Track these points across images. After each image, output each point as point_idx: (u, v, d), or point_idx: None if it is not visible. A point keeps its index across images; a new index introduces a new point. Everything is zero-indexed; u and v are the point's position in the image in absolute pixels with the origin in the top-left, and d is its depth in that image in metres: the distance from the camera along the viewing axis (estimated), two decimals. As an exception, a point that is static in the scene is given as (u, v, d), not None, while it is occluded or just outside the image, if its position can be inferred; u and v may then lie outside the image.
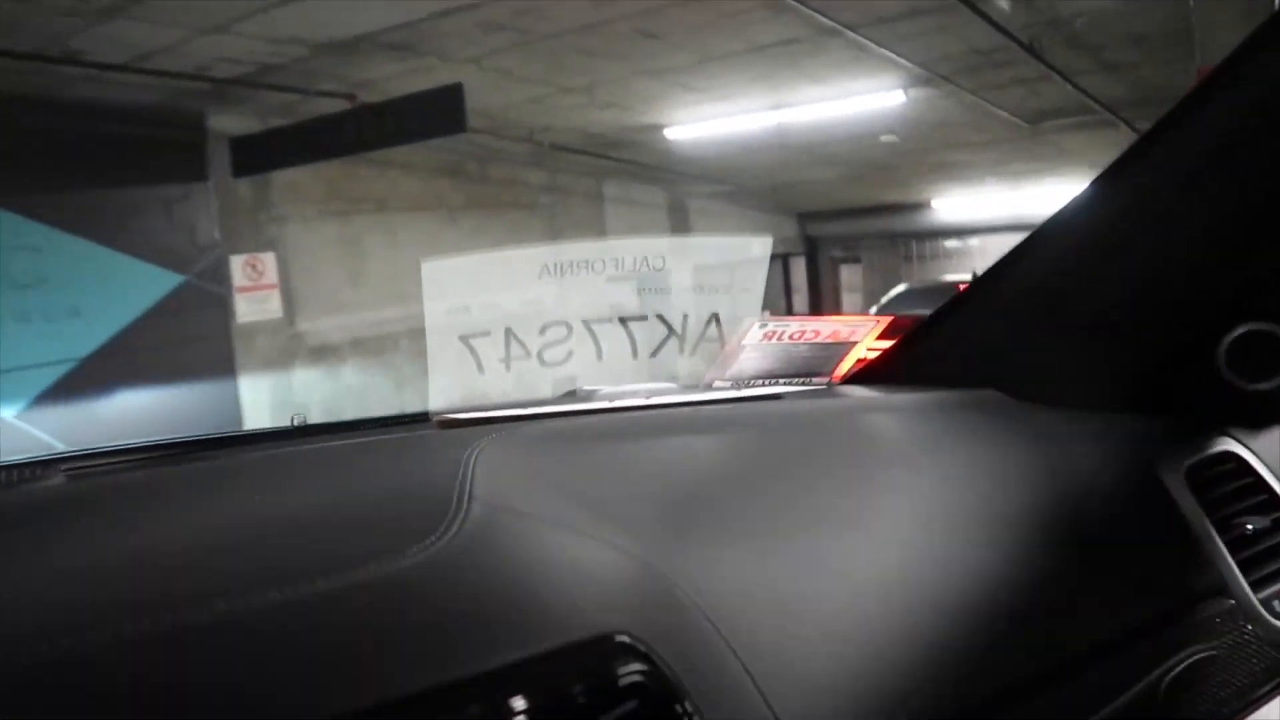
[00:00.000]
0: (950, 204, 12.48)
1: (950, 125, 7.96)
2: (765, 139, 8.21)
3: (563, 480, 0.69)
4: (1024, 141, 8.72)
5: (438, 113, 5.51)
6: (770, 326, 1.05)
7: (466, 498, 0.59)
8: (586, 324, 1.00)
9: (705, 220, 11.73)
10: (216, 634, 0.43)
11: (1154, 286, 1.02)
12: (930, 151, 9.21)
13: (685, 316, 1.03)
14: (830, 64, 6.08)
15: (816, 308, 14.85)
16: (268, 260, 7.07)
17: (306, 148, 6.17)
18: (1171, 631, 0.82)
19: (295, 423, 0.98)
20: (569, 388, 1.00)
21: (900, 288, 8.89)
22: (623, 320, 1.02)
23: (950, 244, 14.04)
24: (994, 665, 0.70)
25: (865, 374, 1.17)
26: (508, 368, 0.95)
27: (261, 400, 7.07)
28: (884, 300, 8.61)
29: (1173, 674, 0.78)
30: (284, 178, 6.97)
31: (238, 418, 6.86)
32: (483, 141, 7.87)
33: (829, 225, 13.89)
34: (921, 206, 12.81)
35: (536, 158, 8.57)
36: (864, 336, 1.07)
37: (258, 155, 6.45)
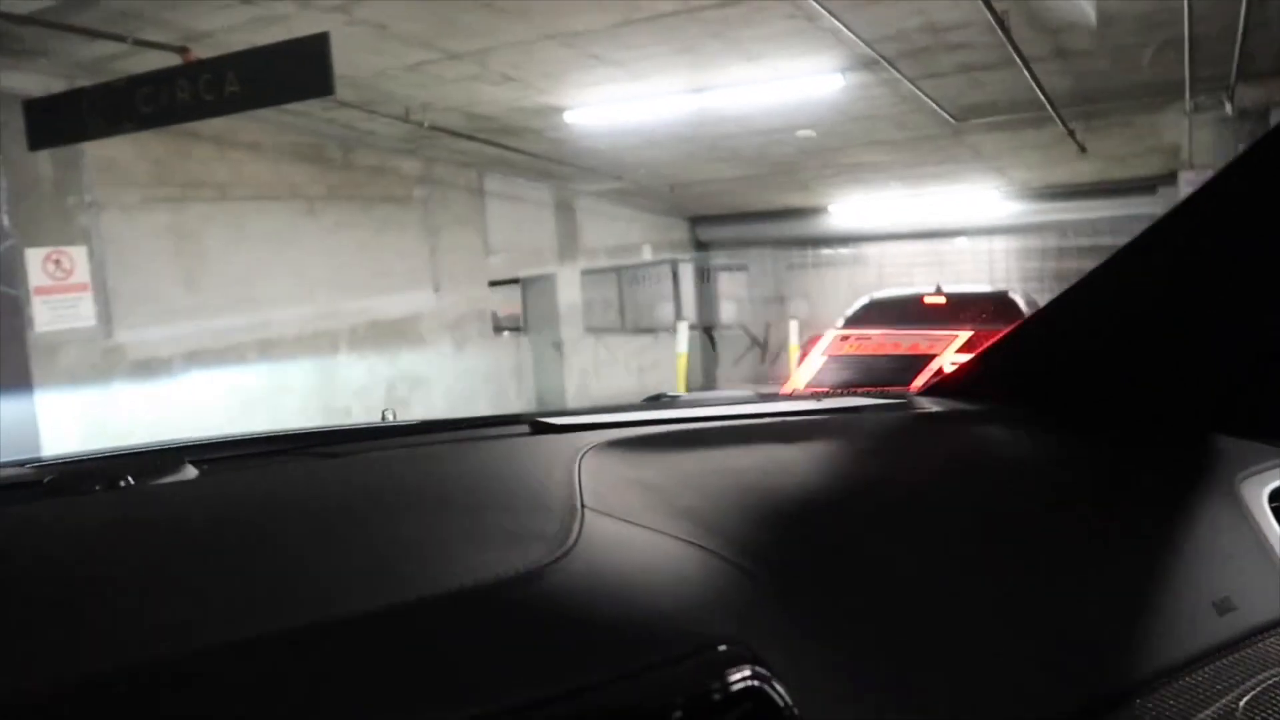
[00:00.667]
0: (848, 209, 11.95)
1: (876, 119, 7.30)
2: (674, 129, 7.35)
3: (662, 488, 0.72)
4: (944, 141, 8.17)
5: (296, 70, 4.36)
6: (852, 339, 2.08)
7: (580, 507, 0.63)
8: (672, 333, 3.71)
9: (594, 222, 10.79)
10: (369, 631, 0.47)
11: (1235, 310, 1.02)
12: (844, 150, 8.56)
13: (768, 325, 4.99)
14: (768, 36, 5.26)
15: (708, 318, 14.16)
16: (77, 256, 5.76)
17: (126, 114, 4.85)
18: (1250, 652, 0.80)
19: (387, 419, 1.09)
20: (654, 393, 1.20)
21: (864, 300, 8.24)
22: (707, 330, 4.71)
23: (844, 251, 13.57)
24: (1076, 681, 0.70)
25: (943, 387, 1.19)
26: (596, 374, 3.65)
27: (68, 427, 5.71)
28: (849, 313, 7.88)
29: (1251, 694, 0.76)
30: (99, 153, 5.66)
31: (35, 445, 5.50)
32: (349, 120, 6.69)
33: (721, 229, 13.17)
34: (818, 212, 12.25)
35: (411, 141, 7.43)
36: (944, 350, 1.66)
37: (62, 122, 5.07)
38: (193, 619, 0.47)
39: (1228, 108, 6.50)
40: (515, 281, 10.11)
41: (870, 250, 13.27)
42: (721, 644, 0.52)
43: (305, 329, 7.13)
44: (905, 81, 6.02)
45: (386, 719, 0.42)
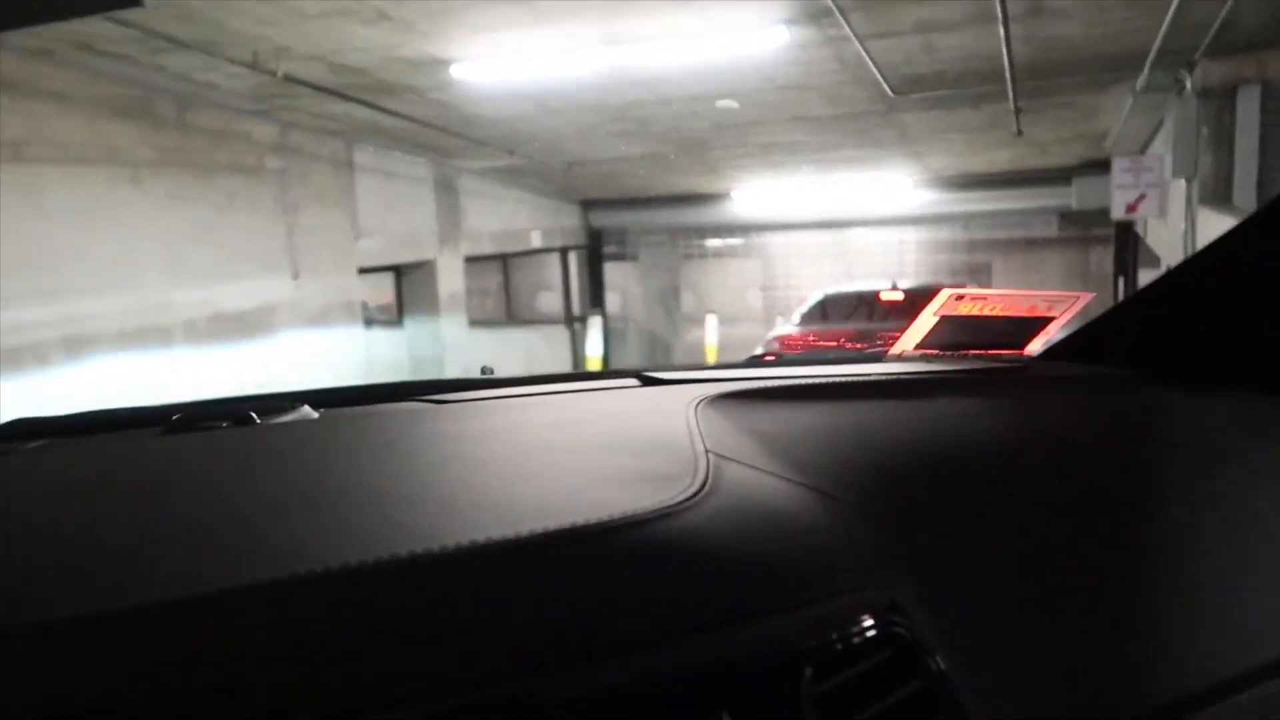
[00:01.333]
0: (752, 196, 11.19)
1: (807, 90, 6.47)
2: (579, 95, 6.34)
3: (780, 437, 0.72)
4: (872, 120, 7.44)
5: (89, -28, 3.17)
6: (966, 297, 1.11)
7: (705, 451, 0.64)
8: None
9: (479, 204, 9.66)
10: (524, 556, 0.48)
11: None
12: (763, 126, 7.73)
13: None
14: (709, -28, 4.32)
15: (600, 307, 13.22)
16: None
17: None
18: None
19: (484, 374, 1.13)
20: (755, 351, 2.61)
21: (817, 295, 7.53)
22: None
23: (740, 241, 12.83)
24: (1193, 663, 0.68)
25: (1060, 350, 1.17)
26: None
27: None
28: (802, 310, 7.19)
29: None
30: None
31: None
32: (184, 68, 5.41)
33: (616, 215, 12.21)
34: (719, 198, 11.45)
35: (263, 99, 6.17)
36: (1062, 313, 1.13)
37: None
38: (340, 541, 0.48)
39: (1189, 86, 5.94)
40: (391, 269, 8.90)
41: (773, 239, 12.58)
42: (863, 588, 0.54)
43: (129, 323, 5.80)
44: (853, 40, 5.19)
45: (547, 641, 0.44)
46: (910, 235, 11.97)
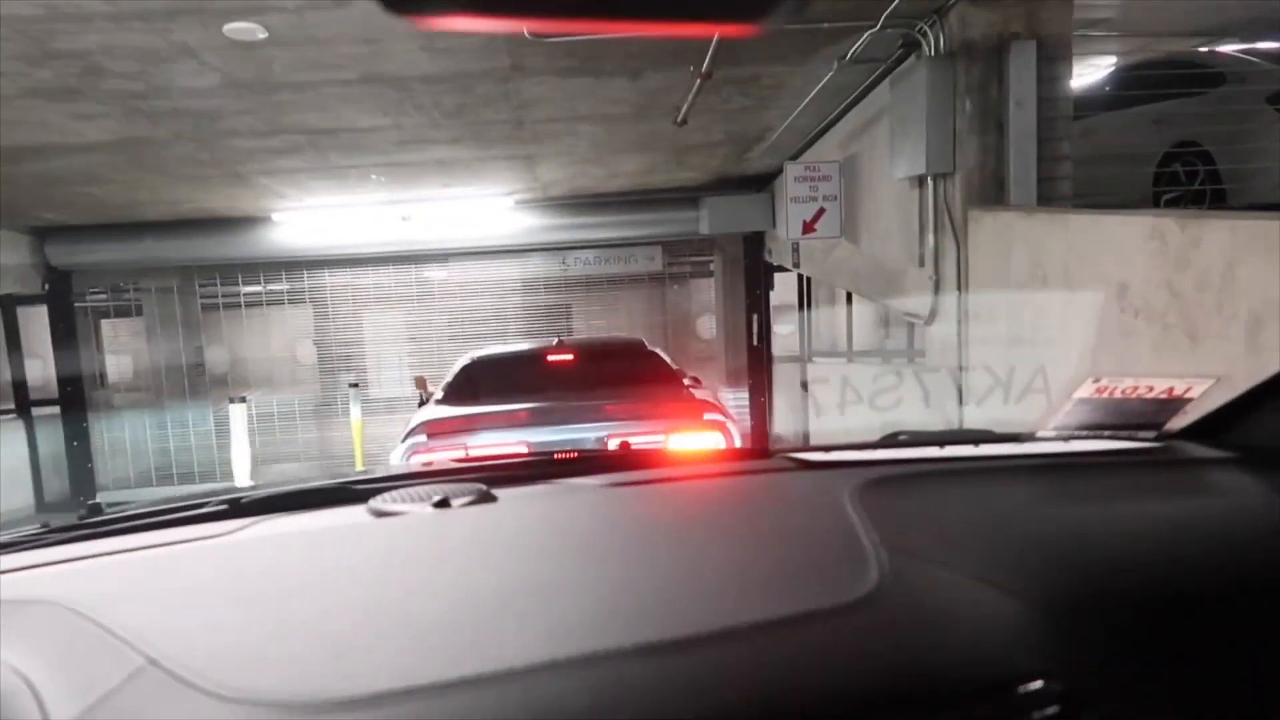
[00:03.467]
0: (304, 219, 8.12)
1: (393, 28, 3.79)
2: None
3: (940, 525, 0.76)
4: (487, 87, 4.94)
5: None
6: (1104, 381, 1.14)
7: (873, 544, 0.69)
8: (916, 373, 1.77)
9: None
10: (733, 643, 0.55)
11: None
12: (314, 91, 4.87)
13: (1012, 368, 1.37)
14: None
15: (68, 375, 9.18)
16: None
17: None
18: None
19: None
20: (891, 430, 1.18)
21: (464, 360, 5.17)
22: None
23: (296, 285, 9.61)
24: None
25: (1196, 429, 1.17)
26: (842, 411, 2.08)
27: None
28: (447, 381, 4.96)
29: None
30: None
31: None
32: None
33: (93, 248, 8.32)
34: (255, 223, 8.23)
35: None
36: (1199, 391, 1.12)
37: None
38: (607, 624, 0.57)
39: (932, 44, 4.24)
40: None
41: (334, 279, 9.53)
42: (1036, 680, 0.54)
43: None
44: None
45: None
46: (514, 271, 9.67)
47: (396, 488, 0.93)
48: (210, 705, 0.51)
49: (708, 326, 10.26)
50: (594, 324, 9.85)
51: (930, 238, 4.48)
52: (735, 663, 0.52)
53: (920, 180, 4.56)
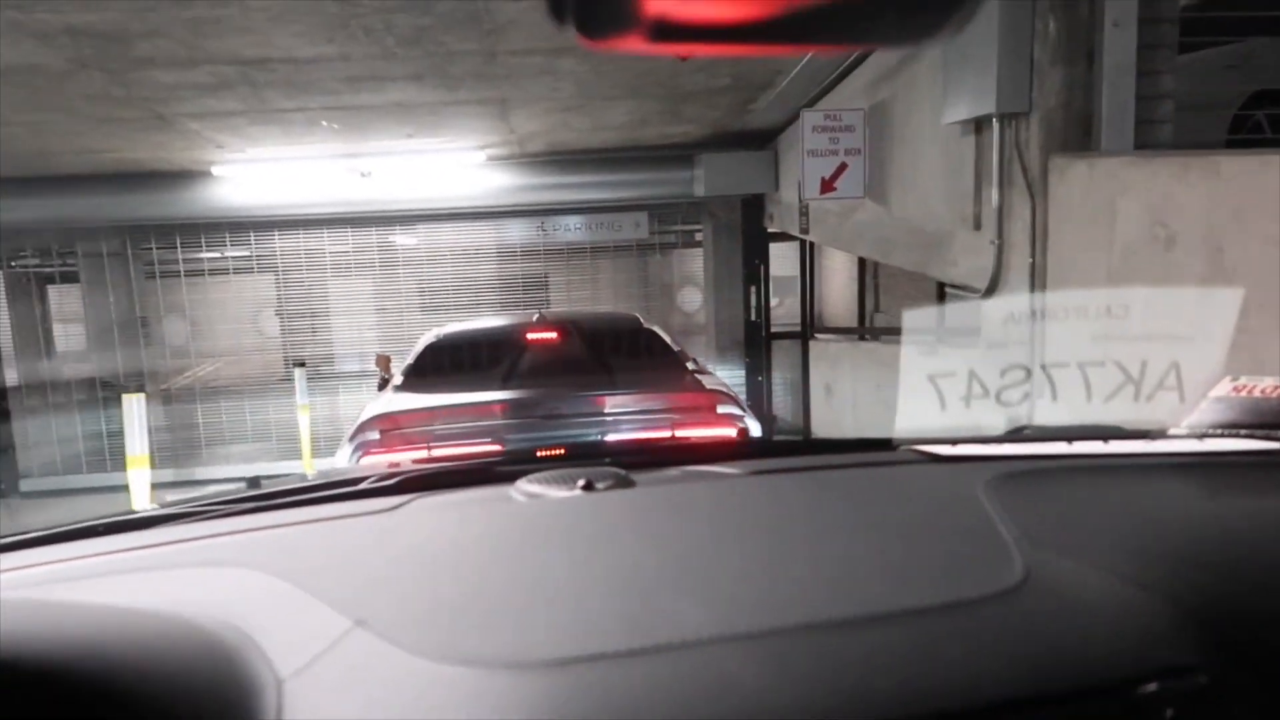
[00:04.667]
0: (249, 174, 7.19)
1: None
2: None
3: (1079, 521, 0.76)
4: (449, 10, 4.07)
5: None
6: (1243, 380, 1.08)
7: (1011, 537, 0.69)
8: (1045, 368, 1.10)
9: None
10: (884, 629, 0.57)
11: None
12: (238, 3, 3.96)
13: (1144, 364, 1.07)
14: None
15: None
16: None
17: None
18: None
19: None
20: (1018, 425, 1.14)
21: (427, 339, 4.41)
22: (1080, 366, 1.09)
23: (243, 251, 8.66)
24: None
25: None
26: (967, 405, 1.10)
27: None
28: (407, 365, 4.20)
29: None
30: None
31: None
32: None
33: (20, 204, 7.32)
34: (192, 178, 7.28)
35: None
36: None
37: None
38: (786, 602, 0.60)
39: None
40: None
41: (290, 243, 8.59)
42: (1180, 675, 0.54)
43: None
44: None
45: (900, 702, 0.50)
46: (486, 237, 8.78)
47: (533, 471, 0.97)
48: (422, 665, 0.54)
49: (696, 299, 9.43)
50: (575, 295, 8.98)
51: (993, 193, 3.65)
52: (891, 646, 0.54)
53: (978, 125, 3.74)
